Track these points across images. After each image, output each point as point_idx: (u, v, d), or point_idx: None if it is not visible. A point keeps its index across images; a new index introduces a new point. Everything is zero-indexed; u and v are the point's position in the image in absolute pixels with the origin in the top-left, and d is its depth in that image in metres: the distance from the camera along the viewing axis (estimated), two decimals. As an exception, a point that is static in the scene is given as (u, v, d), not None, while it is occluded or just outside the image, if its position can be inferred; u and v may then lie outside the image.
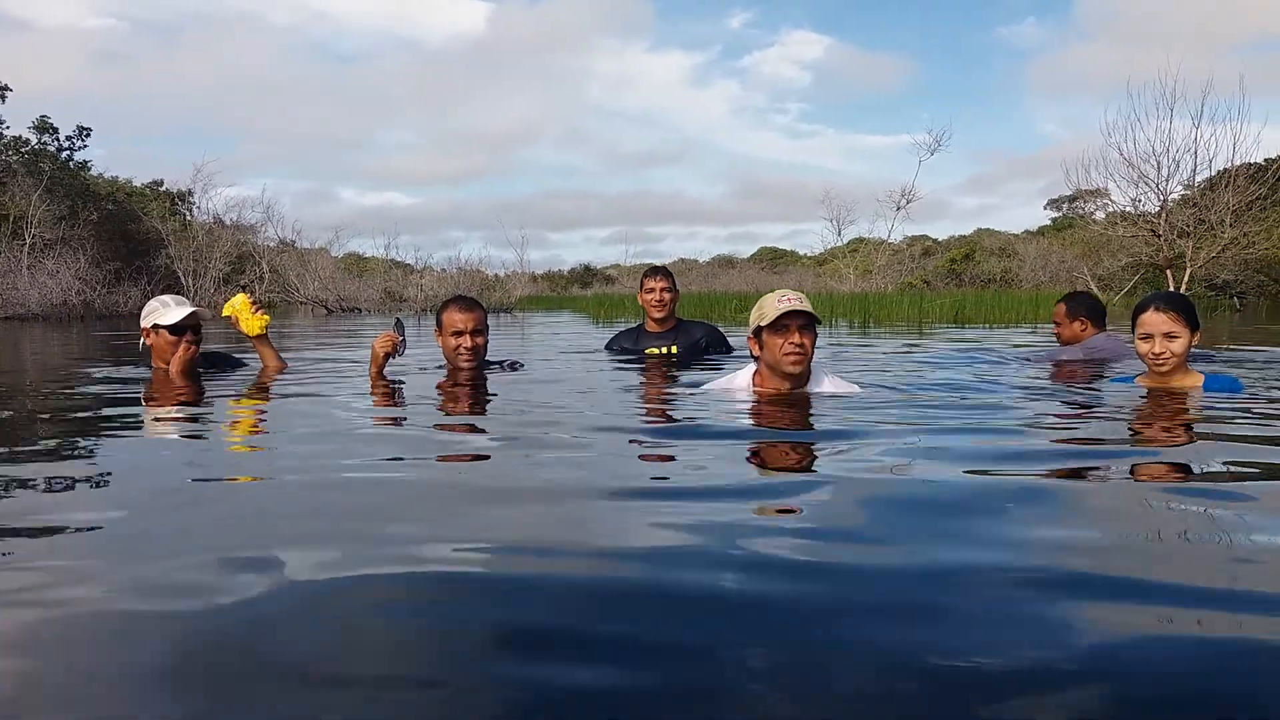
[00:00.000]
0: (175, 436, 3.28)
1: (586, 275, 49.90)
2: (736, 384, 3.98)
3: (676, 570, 1.61)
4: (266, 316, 4.95)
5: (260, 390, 4.46)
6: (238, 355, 5.46)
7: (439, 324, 4.77)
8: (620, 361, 5.99)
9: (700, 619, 1.37)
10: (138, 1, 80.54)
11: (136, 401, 4.22)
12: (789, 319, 3.68)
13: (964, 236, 47.95)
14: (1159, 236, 26.66)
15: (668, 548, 1.76)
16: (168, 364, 4.66)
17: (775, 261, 50.85)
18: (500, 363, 5.08)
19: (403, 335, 4.58)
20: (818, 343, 3.85)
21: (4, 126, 30.73)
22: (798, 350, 3.68)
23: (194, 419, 3.63)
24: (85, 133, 32.12)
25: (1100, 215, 30.92)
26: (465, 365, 4.67)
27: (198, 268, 29.67)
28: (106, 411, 3.89)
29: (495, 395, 4.21)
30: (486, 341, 4.78)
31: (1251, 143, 29.57)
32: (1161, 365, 3.84)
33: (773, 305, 3.73)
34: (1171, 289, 26.54)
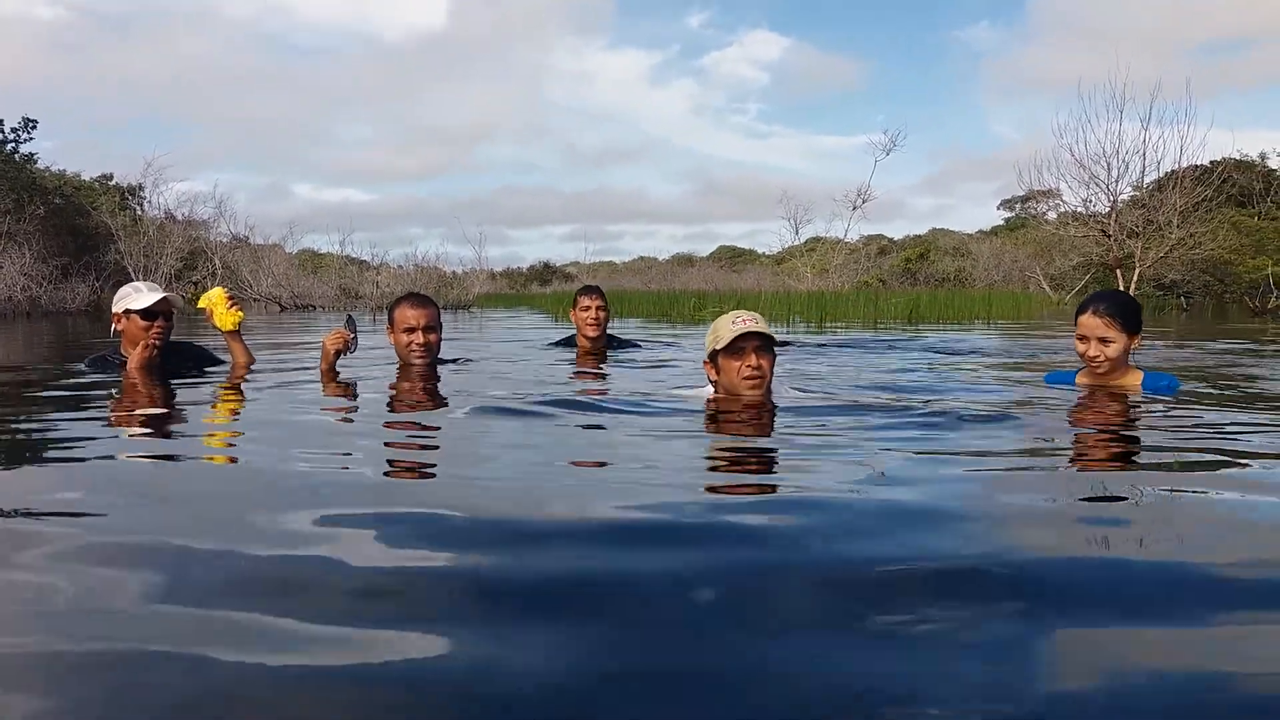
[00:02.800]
0: (121, 437, 3.22)
1: (546, 273, 49.74)
2: (697, 394, 3.87)
3: (630, 558, 1.62)
4: (240, 313, 4.92)
5: (215, 389, 4.39)
6: (203, 345, 5.40)
7: (391, 321, 4.73)
8: (573, 356, 6.06)
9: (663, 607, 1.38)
10: (87, -9, 78.99)
11: (90, 400, 4.14)
12: (745, 341, 3.53)
13: (919, 236, 48.46)
14: (1109, 236, 27.15)
15: (622, 536, 1.77)
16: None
17: (734, 260, 51.01)
18: (454, 360, 5.06)
19: (354, 332, 4.54)
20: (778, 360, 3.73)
21: (-54, 117, 29.95)
22: (755, 373, 3.53)
23: (143, 418, 3.57)
24: (31, 124, 31.24)
25: (1052, 215, 31.44)
26: (417, 362, 4.64)
27: (149, 264, 29.12)
28: (53, 413, 3.81)
29: (447, 391, 4.19)
30: (440, 339, 4.75)
31: (1198, 145, 30.08)
32: (1096, 368, 3.91)
33: (727, 328, 3.56)
34: (1121, 288, 27.03)
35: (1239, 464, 2.56)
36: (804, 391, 4.00)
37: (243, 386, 4.41)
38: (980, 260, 35.80)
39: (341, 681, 1.18)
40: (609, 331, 6.48)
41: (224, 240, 33.52)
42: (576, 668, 1.20)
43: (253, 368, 4.94)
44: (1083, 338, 3.89)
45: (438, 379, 4.50)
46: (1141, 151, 26.46)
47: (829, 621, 1.37)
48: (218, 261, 30.88)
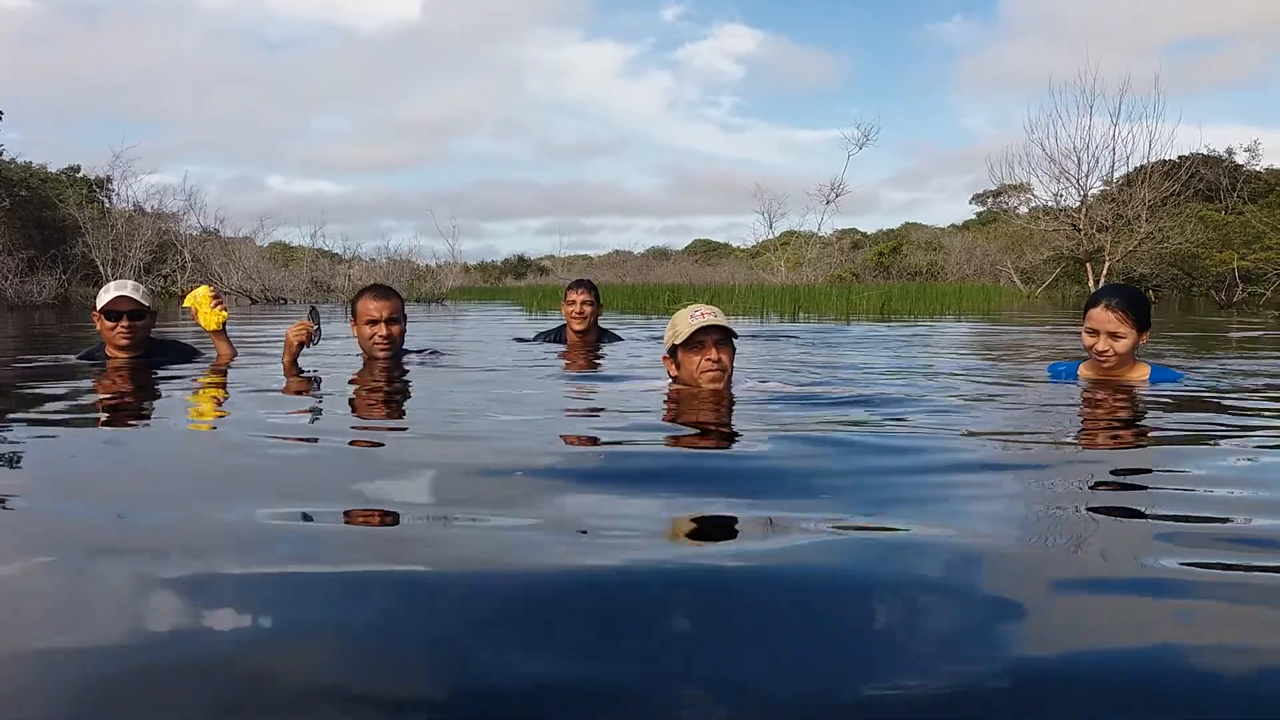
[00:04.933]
0: (75, 427, 3.18)
1: (521, 266, 49.53)
2: (652, 387, 3.85)
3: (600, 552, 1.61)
4: (225, 313, 4.87)
5: (190, 382, 4.33)
6: (190, 343, 5.36)
7: (354, 313, 4.67)
8: (543, 350, 6.06)
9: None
10: (55, -19, 77.79)
11: (49, 393, 4.09)
12: (704, 334, 3.51)
13: (892, 230, 48.69)
14: (1079, 230, 27.42)
15: (589, 530, 1.76)
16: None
17: (709, 254, 51.05)
18: (419, 351, 5.01)
19: (317, 324, 4.50)
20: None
21: (-94, 107, 29.44)
22: (715, 367, 3.51)
23: (108, 410, 3.53)
24: (-4, 115, 30.86)
25: (1024, 210, 31.71)
26: (380, 354, 4.58)
27: (117, 256, 28.75)
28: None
29: (411, 384, 4.17)
30: (403, 330, 4.69)
31: (1166, 140, 30.43)
32: (1104, 362, 3.82)
33: (686, 321, 3.55)
34: (1090, 282, 27.32)
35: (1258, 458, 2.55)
36: (765, 383, 3.98)
37: (203, 382, 4.35)
38: (952, 254, 36.02)
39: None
40: (602, 326, 6.51)
41: (194, 233, 33.12)
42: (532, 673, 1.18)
43: (235, 362, 4.89)
44: (1093, 331, 3.81)
45: (403, 371, 4.47)
46: (1111, 146, 26.79)
47: (798, 619, 1.36)
48: (187, 254, 30.53)
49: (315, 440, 2.86)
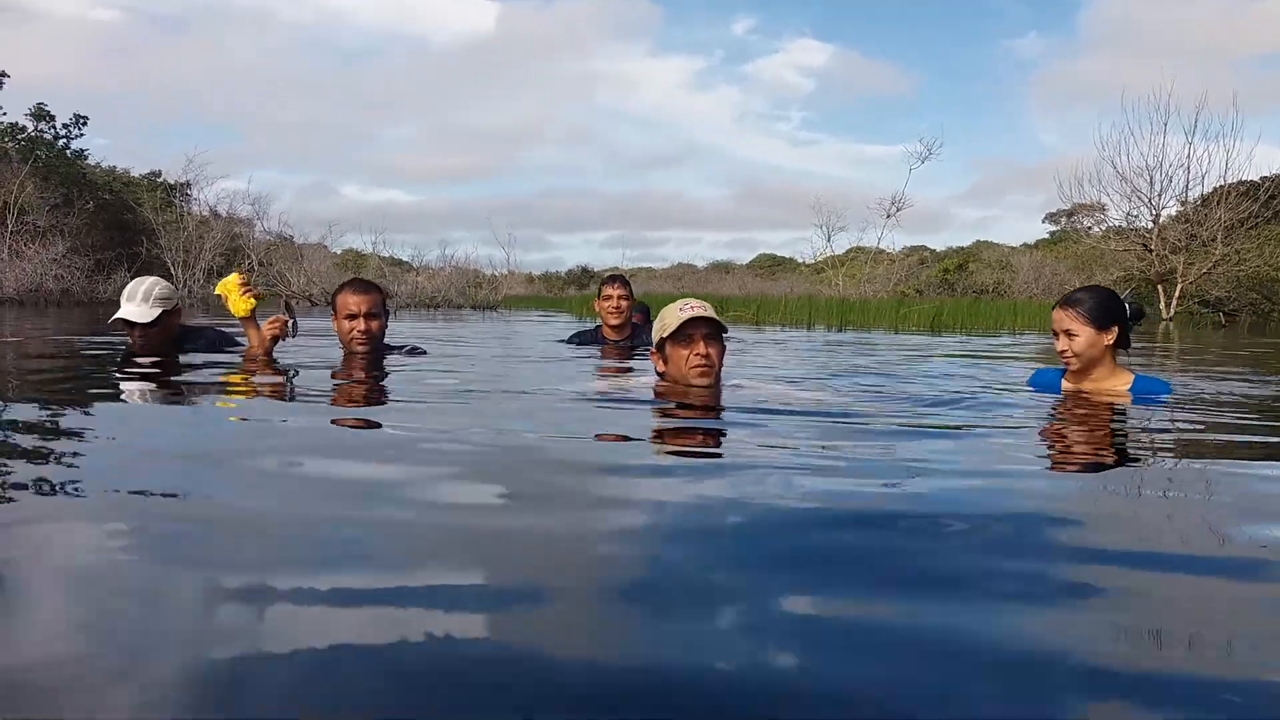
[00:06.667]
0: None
1: (584, 277, 49.82)
2: (639, 384, 3.75)
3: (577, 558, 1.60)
4: (254, 300, 4.88)
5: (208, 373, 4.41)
6: (225, 329, 5.50)
7: (334, 307, 4.68)
8: (595, 349, 6.11)
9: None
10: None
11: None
12: (693, 328, 3.41)
13: (962, 248, 47.90)
14: (1150, 251, 26.69)
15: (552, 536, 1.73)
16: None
17: (773, 269, 50.80)
18: (399, 348, 5.01)
19: (292, 318, 4.57)
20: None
21: (1, 113, 30.85)
22: (704, 362, 3.40)
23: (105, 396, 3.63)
24: (82, 121, 32.20)
25: (1098, 230, 30.95)
26: (359, 349, 4.56)
27: (188, 259, 29.70)
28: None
29: (385, 380, 4.12)
30: (384, 326, 4.68)
31: (1244, 160, 29.48)
32: (1068, 364, 3.79)
33: (675, 314, 3.45)
34: (1162, 304, 26.55)
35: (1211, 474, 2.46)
36: (755, 383, 3.91)
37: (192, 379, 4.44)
38: (1020, 273, 35.27)
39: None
40: (637, 323, 6.50)
41: (268, 238, 34.02)
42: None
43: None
44: (1054, 333, 3.81)
45: (381, 367, 4.46)
46: (1186, 165, 26.06)
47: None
48: (254, 259, 31.36)
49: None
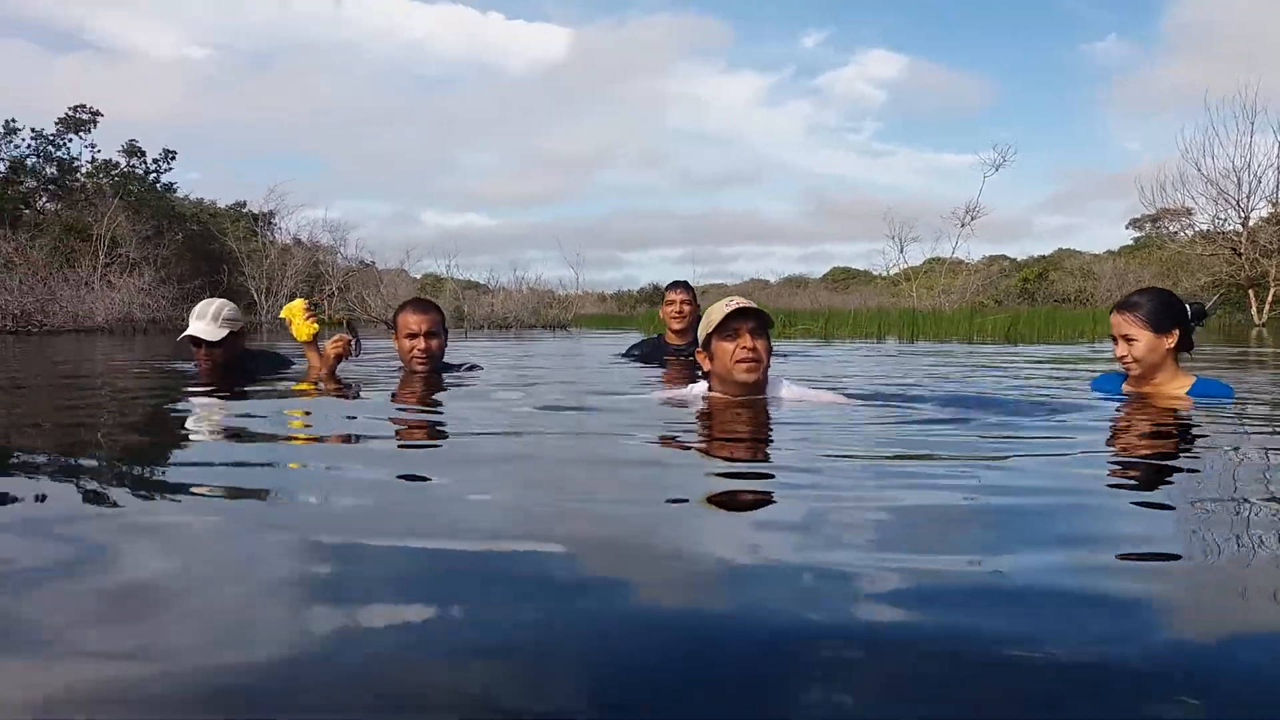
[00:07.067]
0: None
1: (655, 295, 49.93)
2: (691, 393, 3.73)
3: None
4: (316, 325, 5.02)
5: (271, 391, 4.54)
6: (285, 353, 5.69)
7: (395, 326, 4.77)
8: (617, 367, 6.13)
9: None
10: (236, 32, 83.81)
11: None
12: (738, 321, 3.37)
13: (1043, 256, 46.81)
14: (1240, 255, 25.75)
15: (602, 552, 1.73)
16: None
17: (848, 281, 50.28)
18: (459, 365, 5.10)
19: (355, 337, 4.71)
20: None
21: (96, 150, 32.28)
22: (751, 355, 3.35)
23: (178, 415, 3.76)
24: (171, 156, 33.45)
25: (1187, 234, 29.97)
26: (419, 368, 4.66)
27: (271, 285, 30.62)
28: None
29: (444, 397, 4.19)
30: (443, 345, 4.77)
31: (1341, 157, 28.21)
32: (1128, 369, 3.71)
33: (720, 309, 3.42)
34: (1254, 309, 25.59)
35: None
36: (802, 386, 3.84)
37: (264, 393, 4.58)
38: (1103, 280, 34.33)
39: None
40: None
41: (352, 265, 34.89)
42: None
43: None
44: (1113, 338, 3.73)
45: (441, 385, 4.53)
46: (1276, 165, 25.14)
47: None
48: (334, 285, 32.17)
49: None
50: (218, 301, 5.18)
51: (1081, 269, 38.49)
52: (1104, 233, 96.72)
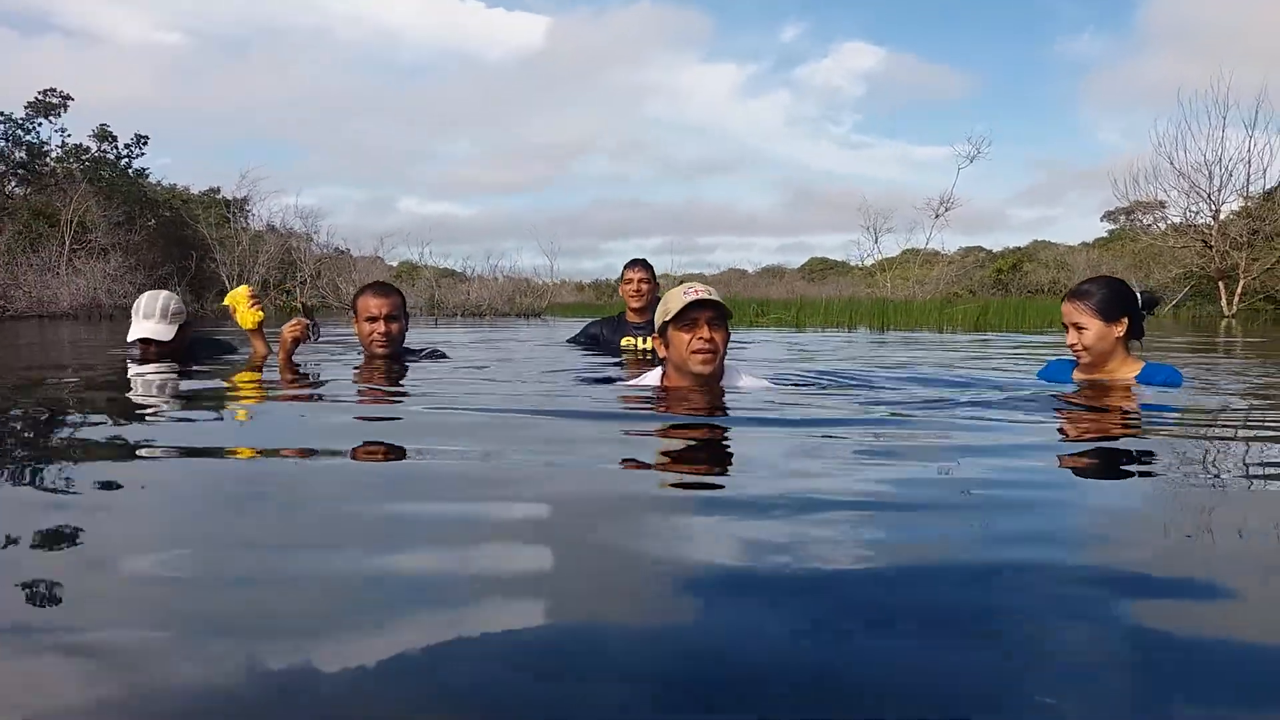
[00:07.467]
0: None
1: (632, 284, 49.82)
2: (644, 382, 3.67)
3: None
4: (260, 313, 4.99)
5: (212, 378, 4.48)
6: (227, 339, 5.62)
7: (354, 310, 4.71)
8: (555, 355, 6.14)
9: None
10: (208, 17, 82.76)
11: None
12: (696, 311, 3.30)
13: (1018, 248, 47.04)
14: (1210, 248, 25.95)
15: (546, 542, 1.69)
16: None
17: (825, 271, 50.36)
18: (420, 351, 5.05)
19: (313, 321, 4.64)
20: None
21: (66, 135, 31.83)
22: (707, 346, 3.31)
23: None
24: (143, 141, 33.01)
25: (1160, 227, 30.13)
26: (379, 351, 4.61)
27: (243, 272, 30.35)
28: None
29: (405, 382, 4.14)
30: (403, 329, 4.71)
31: (1311, 151, 28.46)
32: (1077, 356, 3.73)
33: (678, 298, 3.34)
34: (1224, 301, 25.81)
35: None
36: (759, 379, 3.83)
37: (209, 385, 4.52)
38: (1076, 272, 34.52)
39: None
40: None
41: (327, 253, 34.60)
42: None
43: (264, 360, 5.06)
44: (1064, 326, 3.74)
45: (401, 369, 4.48)
46: (1247, 159, 25.31)
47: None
48: (307, 271, 31.93)
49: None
50: (162, 295, 5.00)
51: (1056, 260, 38.71)
52: (1080, 225, 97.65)
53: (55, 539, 1.52)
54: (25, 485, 1.98)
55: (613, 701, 0.99)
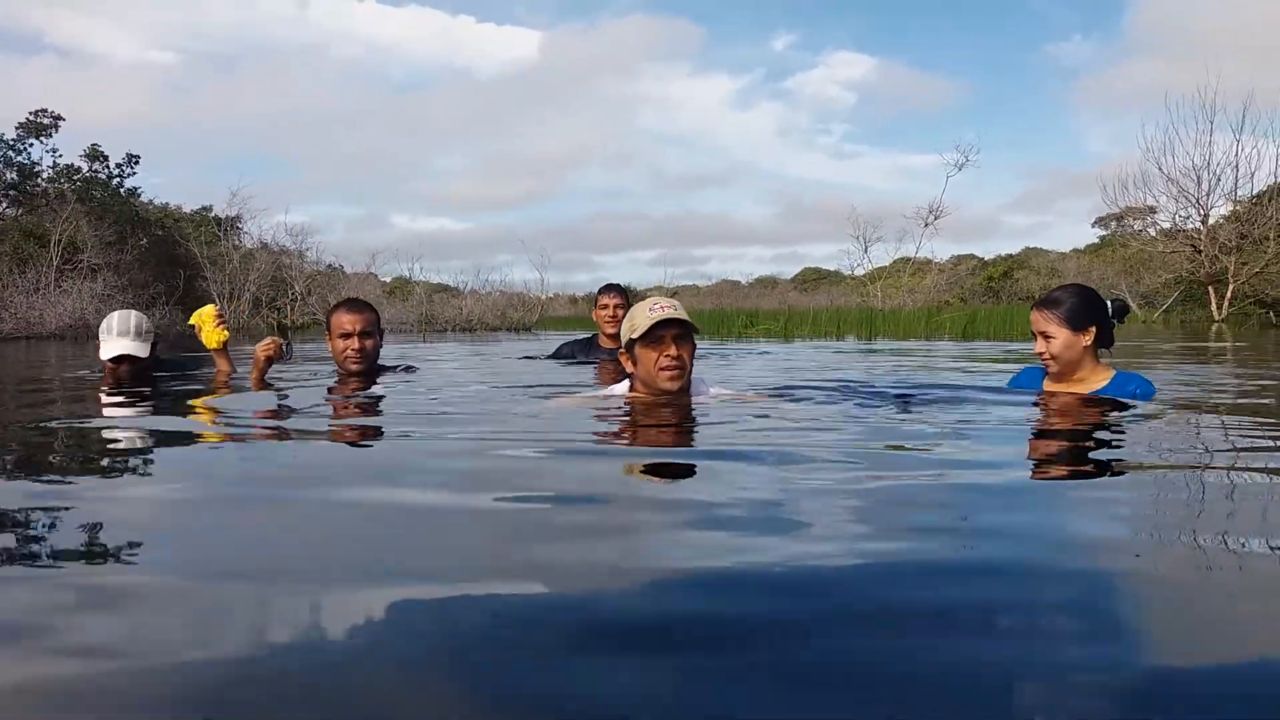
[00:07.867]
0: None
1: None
2: (614, 392, 3.66)
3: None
4: (226, 332, 4.98)
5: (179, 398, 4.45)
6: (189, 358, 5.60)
7: (328, 327, 4.69)
8: (525, 368, 6.15)
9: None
10: (199, 35, 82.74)
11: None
12: (663, 329, 3.31)
13: (1010, 255, 47.20)
14: (1199, 252, 26.06)
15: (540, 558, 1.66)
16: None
17: (818, 281, 50.47)
18: (394, 367, 5.03)
19: (286, 339, 4.63)
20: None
21: (57, 155, 31.85)
22: (674, 363, 3.32)
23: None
24: (134, 160, 33.06)
25: (1150, 233, 30.27)
26: (353, 368, 4.58)
27: (234, 290, 30.31)
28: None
29: (380, 398, 4.12)
30: (377, 345, 4.69)
31: (1298, 155, 28.67)
32: (1046, 365, 3.71)
33: (644, 315, 3.33)
34: (1214, 305, 25.92)
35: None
36: (727, 389, 3.83)
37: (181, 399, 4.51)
38: (1067, 278, 34.63)
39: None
40: None
41: (319, 269, 34.56)
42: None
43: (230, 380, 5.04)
44: (1034, 334, 3.71)
45: (375, 385, 4.45)
46: (1234, 163, 25.44)
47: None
48: (298, 288, 31.88)
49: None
50: (134, 314, 4.96)
51: (1047, 267, 38.84)
52: (1071, 231, 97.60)
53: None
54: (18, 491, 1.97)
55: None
